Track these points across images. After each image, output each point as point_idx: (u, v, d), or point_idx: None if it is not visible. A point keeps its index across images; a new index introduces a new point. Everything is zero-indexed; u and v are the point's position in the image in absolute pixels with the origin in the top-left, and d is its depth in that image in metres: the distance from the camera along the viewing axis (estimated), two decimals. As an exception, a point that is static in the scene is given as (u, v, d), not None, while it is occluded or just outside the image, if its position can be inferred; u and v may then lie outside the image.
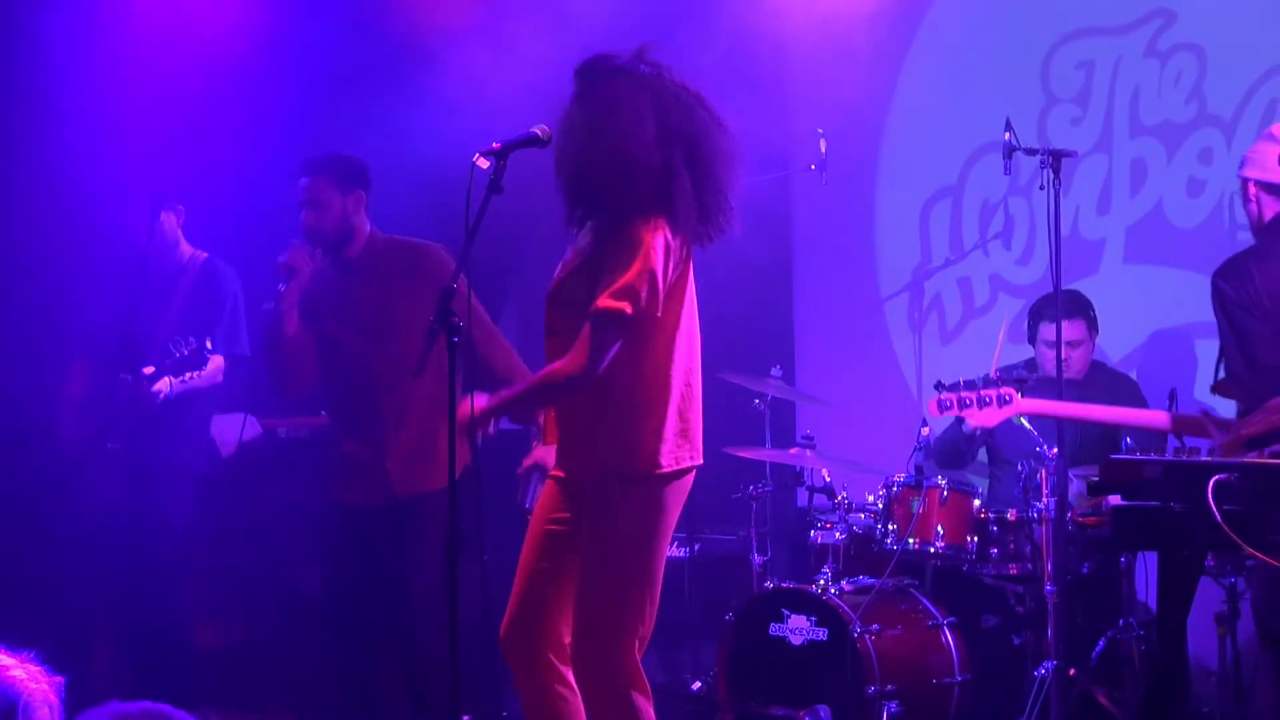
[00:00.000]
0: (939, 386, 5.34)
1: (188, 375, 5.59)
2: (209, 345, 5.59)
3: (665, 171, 3.98)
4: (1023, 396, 5.23)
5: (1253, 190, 4.79)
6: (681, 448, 4.05)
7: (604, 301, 3.89)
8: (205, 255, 6.10)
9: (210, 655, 6.19)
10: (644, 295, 3.89)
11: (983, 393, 5.20)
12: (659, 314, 3.96)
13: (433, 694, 5.14)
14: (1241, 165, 4.87)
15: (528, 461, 4.54)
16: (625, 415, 4.02)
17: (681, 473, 4.06)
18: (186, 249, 6.10)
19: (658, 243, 3.92)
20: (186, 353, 5.53)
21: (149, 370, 5.60)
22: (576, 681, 4.09)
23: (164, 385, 5.57)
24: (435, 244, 5.38)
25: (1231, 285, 4.54)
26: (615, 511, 4.00)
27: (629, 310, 3.88)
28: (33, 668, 2.79)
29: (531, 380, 4.19)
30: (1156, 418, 5.13)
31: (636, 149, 3.95)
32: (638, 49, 4.10)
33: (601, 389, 3.98)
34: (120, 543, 5.94)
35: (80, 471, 6.02)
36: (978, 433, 5.92)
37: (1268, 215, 4.72)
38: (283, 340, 5.31)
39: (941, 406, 5.31)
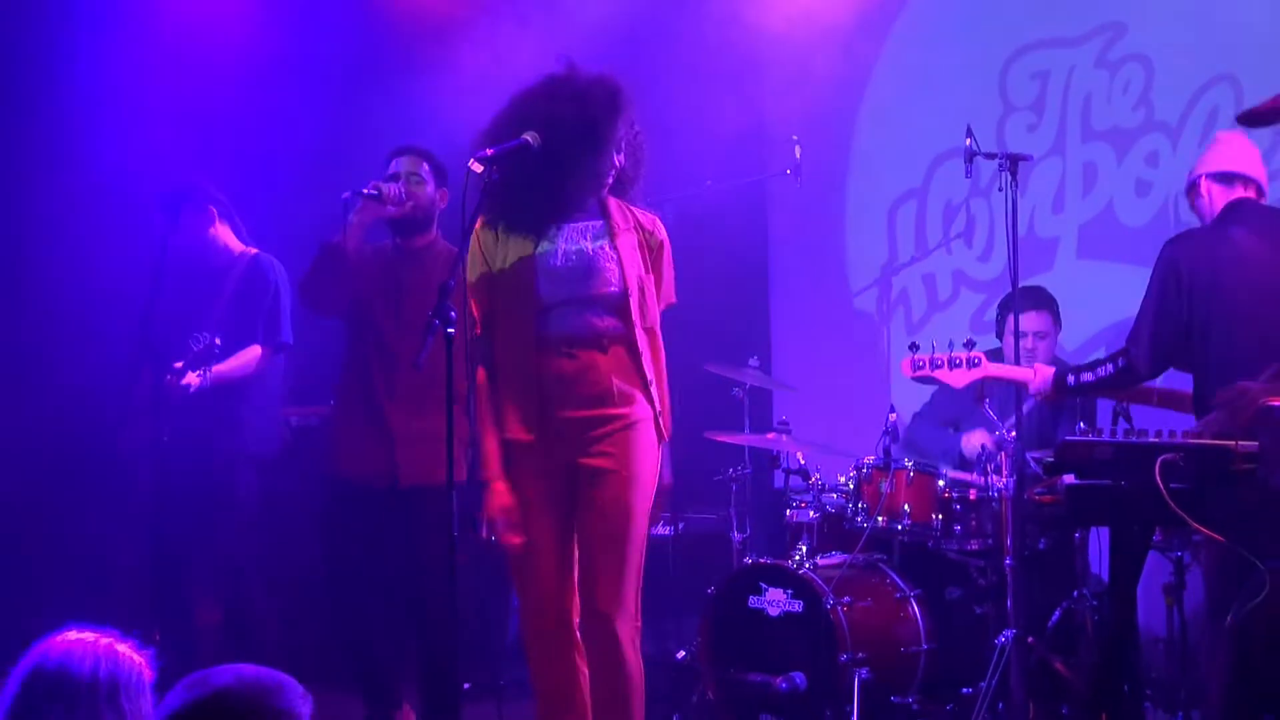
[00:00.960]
0: (913, 347, 5.33)
1: (207, 370, 5.54)
2: (218, 342, 5.53)
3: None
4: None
5: (1204, 185, 4.82)
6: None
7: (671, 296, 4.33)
8: (254, 251, 6.02)
9: (217, 630, 6.17)
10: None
11: (953, 355, 5.20)
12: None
13: (434, 665, 5.13)
14: (1193, 170, 4.91)
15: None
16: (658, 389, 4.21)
17: None
18: (236, 246, 6.01)
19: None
20: (200, 348, 5.49)
21: (179, 365, 5.55)
22: (586, 638, 4.13)
23: (192, 379, 5.51)
24: None
25: (1184, 257, 4.61)
26: (638, 467, 4.11)
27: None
28: (124, 644, 2.81)
29: (664, 389, 4.29)
30: (1043, 375, 5.14)
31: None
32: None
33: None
34: (164, 526, 5.93)
35: (134, 461, 5.99)
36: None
37: (1219, 206, 4.76)
38: (339, 252, 5.24)
39: (915, 366, 5.29)
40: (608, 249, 4.18)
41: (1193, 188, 4.91)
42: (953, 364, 5.19)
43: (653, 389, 4.19)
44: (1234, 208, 4.73)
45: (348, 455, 5.38)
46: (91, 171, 6.35)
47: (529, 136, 4.04)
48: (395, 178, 5.32)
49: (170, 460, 5.67)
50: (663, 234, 4.31)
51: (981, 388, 5.61)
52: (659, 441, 4.21)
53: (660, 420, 4.22)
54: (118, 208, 6.27)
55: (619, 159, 4.21)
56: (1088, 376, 4.83)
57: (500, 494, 4.16)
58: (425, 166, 5.37)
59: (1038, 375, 5.08)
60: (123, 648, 2.81)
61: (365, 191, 5.21)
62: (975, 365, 5.16)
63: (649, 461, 4.16)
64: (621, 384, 4.14)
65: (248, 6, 6.92)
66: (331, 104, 7.10)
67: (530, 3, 7.06)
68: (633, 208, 4.29)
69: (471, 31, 7.01)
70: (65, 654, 2.75)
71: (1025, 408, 5.44)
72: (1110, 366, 4.76)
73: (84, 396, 6.23)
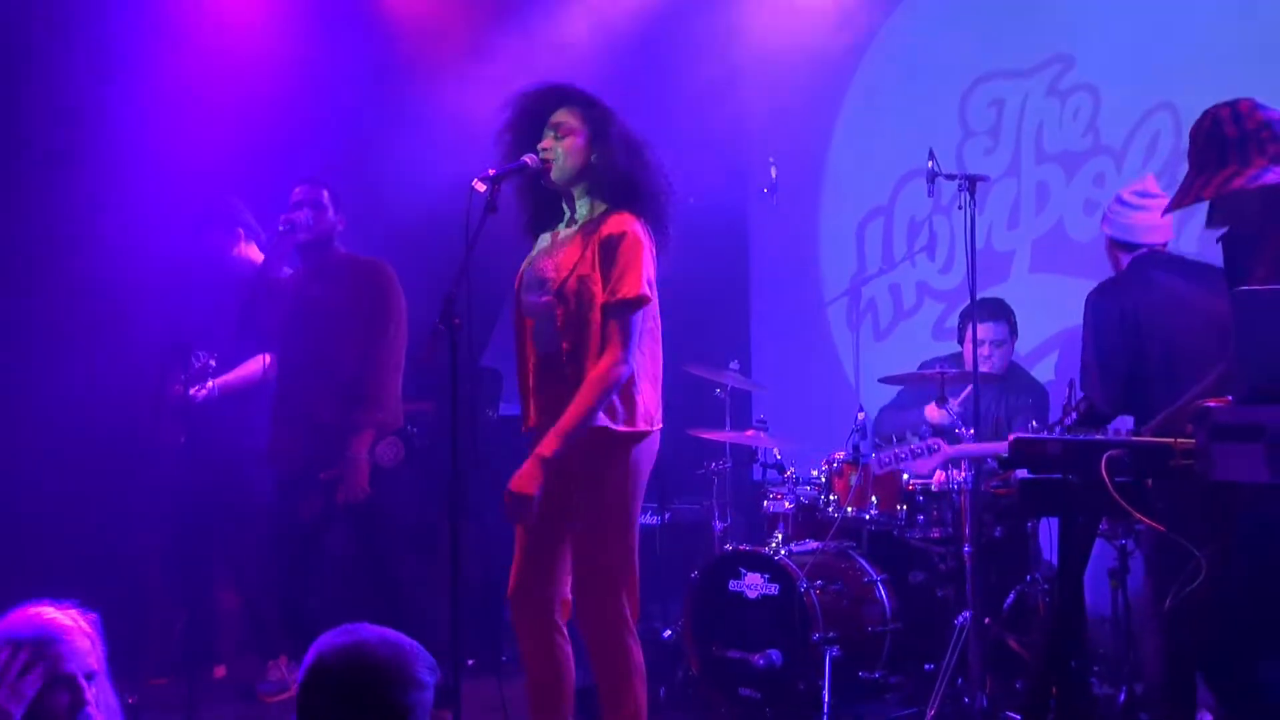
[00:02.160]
0: (878, 447, 5.30)
1: (203, 385, 5.58)
2: (213, 363, 5.58)
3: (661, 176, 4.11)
4: (948, 444, 5.22)
5: (1108, 245, 4.78)
6: (659, 410, 4.08)
7: (634, 290, 3.91)
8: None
9: (238, 613, 6.16)
10: (646, 293, 3.95)
11: (914, 446, 5.18)
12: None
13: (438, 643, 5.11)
14: (1104, 219, 4.82)
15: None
16: (633, 384, 4.00)
17: (652, 433, 4.07)
18: (259, 259, 6.01)
19: (647, 248, 4.00)
20: (198, 366, 5.55)
21: (182, 378, 5.60)
22: (581, 627, 4.06)
23: (197, 392, 5.57)
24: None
25: (1114, 302, 4.55)
26: (612, 466, 3.97)
27: (641, 289, 3.92)
28: (72, 611, 2.87)
29: (587, 398, 3.88)
30: None
31: (647, 152, 4.09)
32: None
33: (586, 358, 3.97)
34: (185, 520, 5.93)
35: (151, 453, 6.00)
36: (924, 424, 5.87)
37: (1124, 264, 4.70)
38: (269, 288, 5.32)
39: (881, 464, 5.27)
40: (559, 256, 4.04)
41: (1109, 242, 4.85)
42: (915, 454, 5.17)
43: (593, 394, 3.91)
44: (1141, 257, 4.64)
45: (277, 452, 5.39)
46: (127, 187, 6.33)
47: (528, 158, 4.03)
48: (299, 206, 5.31)
49: (188, 460, 5.71)
50: (616, 229, 3.96)
51: (943, 391, 5.61)
52: (625, 444, 3.98)
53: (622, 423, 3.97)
54: (150, 220, 6.25)
55: (566, 147, 4.03)
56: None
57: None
58: (325, 194, 5.37)
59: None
60: (61, 616, 2.90)
61: (280, 229, 5.24)
62: (936, 451, 5.15)
63: (615, 467, 3.99)
64: (568, 393, 3.95)
65: (274, 32, 6.91)
66: (351, 124, 7.09)
67: (526, 40, 7.08)
68: (617, 212, 4.03)
69: (473, 65, 7.03)
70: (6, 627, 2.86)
71: (982, 408, 5.45)
72: (1074, 415, 4.61)
73: (117, 399, 6.21)
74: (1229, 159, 3.49)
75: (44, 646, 2.84)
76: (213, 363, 5.59)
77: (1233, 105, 3.55)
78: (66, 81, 6.39)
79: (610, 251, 3.95)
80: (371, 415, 5.09)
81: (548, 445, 3.86)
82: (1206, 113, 3.58)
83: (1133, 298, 4.49)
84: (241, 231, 6.01)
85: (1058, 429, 4.66)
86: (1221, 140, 3.51)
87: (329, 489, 5.20)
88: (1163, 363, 4.35)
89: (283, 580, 5.26)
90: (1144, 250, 4.65)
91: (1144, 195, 4.70)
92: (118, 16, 6.45)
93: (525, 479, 3.86)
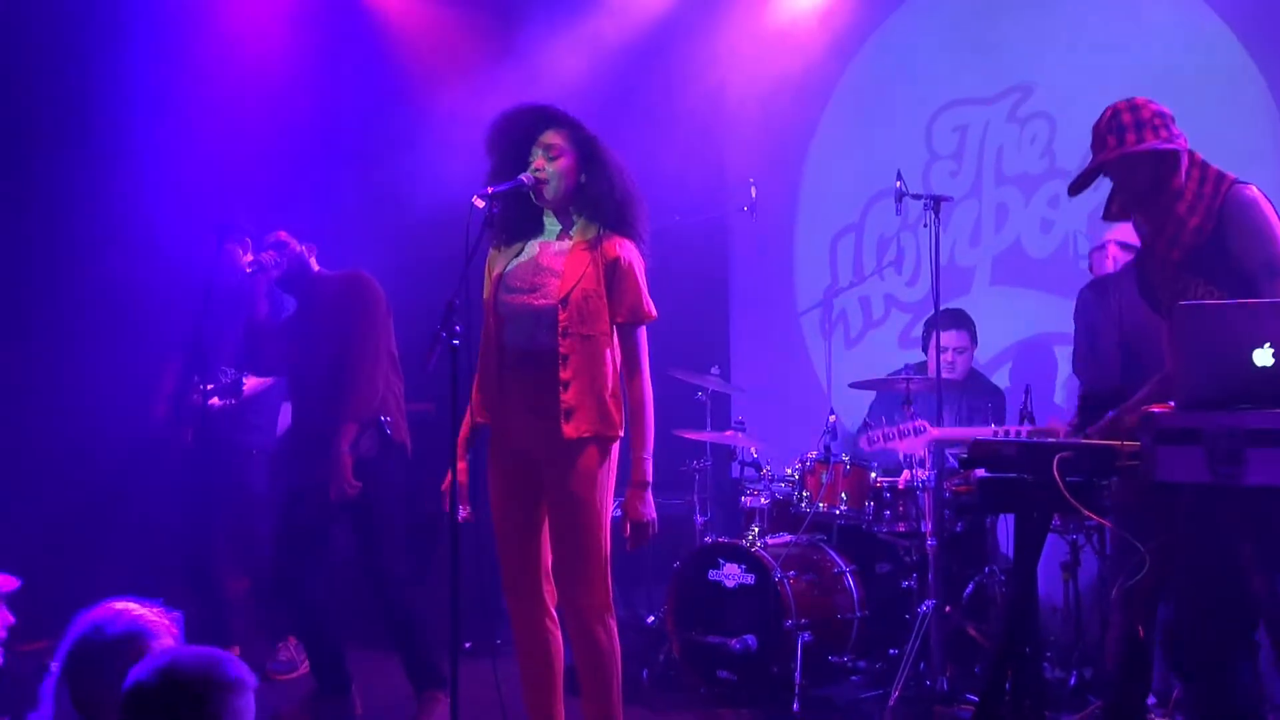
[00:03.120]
0: (866, 426, 5.32)
1: (231, 400, 5.62)
2: (244, 381, 5.61)
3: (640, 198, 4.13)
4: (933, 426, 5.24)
5: (1111, 250, 4.82)
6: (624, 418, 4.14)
7: (646, 310, 4.05)
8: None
9: (246, 598, 6.16)
10: (648, 303, 4.08)
11: (901, 427, 5.20)
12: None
13: (415, 623, 5.08)
14: (1104, 235, 4.91)
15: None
16: (609, 392, 4.04)
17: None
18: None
19: (642, 263, 4.10)
20: (228, 381, 5.58)
21: (210, 387, 5.61)
22: (566, 612, 4.07)
23: (216, 401, 5.59)
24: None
25: (1099, 296, 4.62)
26: (595, 467, 3.99)
27: (645, 302, 4.06)
28: (156, 610, 2.83)
29: (647, 419, 4.07)
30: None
31: (631, 177, 4.11)
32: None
33: (614, 368, 4.04)
34: (194, 513, 5.93)
35: (164, 451, 6.00)
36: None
37: (1118, 265, 4.75)
38: (263, 323, 5.28)
39: (870, 442, 5.28)
40: (557, 266, 4.05)
41: (1100, 249, 4.90)
42: (903, 434, 5.19)
43: (584, 394, 3.98)
44: (1129, 266, 4.67)
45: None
46: (148, 196, 6.33)
47: (524, 177, 4.04)
48: (263, 248, 5.26)
49: (195, 458, 5.74)
50: (620, 253, 4.03)
51: (909, 395, 5.64)
52: (602, 443, 4.02)
53: (603, 424, 4.01)
54: (167, 227, 6.25)
55: (557, 168, 4.04)
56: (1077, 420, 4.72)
57: (459, 472, 4.08)
58: (281, 234, 5.28)
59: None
60: (146, 613, 2.87)
61: (249, 272, 5.21)
62: (922, 432, 5.17)
63: (599, 466, 4.01)
64: (583, 393, 3.99)
65: (286, 47, 6.91)
66: (358, 134, 7.09)
67: (520, 63, 7.10)
68: (617, 235, 4.07)
69: (470, 84, 7.04)
70: (99, 620, 2.82)
71: (945, 410, 5.47)
72: (1078, 403, 4.62)
73: (134, 401, 6.20)
74: (1126, 138, 3.59)
75: (134, 641, 2.81)
76: (245, 380, 5.63)
77: (1129, 100, 3.70)
78: (82, 86, 6.37)
79: (619, 276, 4.03)
80: (349, 411, 5.01)
81: (643, 471, 4.04)
82: (1107, 108, 3.71)
83: (1123, 291, 4.54)
84: (249, 241, 6.02)
85: (1014, 433, 4.70)
86: (1120, 125, 3.64)
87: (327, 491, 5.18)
88: (1145, 353, 4.37)
89: (287, 579, 5.23)
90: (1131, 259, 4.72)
91: None
92: (135, 28, 6.43)
93: (642, 507, 4.05)
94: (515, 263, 4.13)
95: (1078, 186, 3.80)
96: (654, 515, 4.05)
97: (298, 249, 5.30)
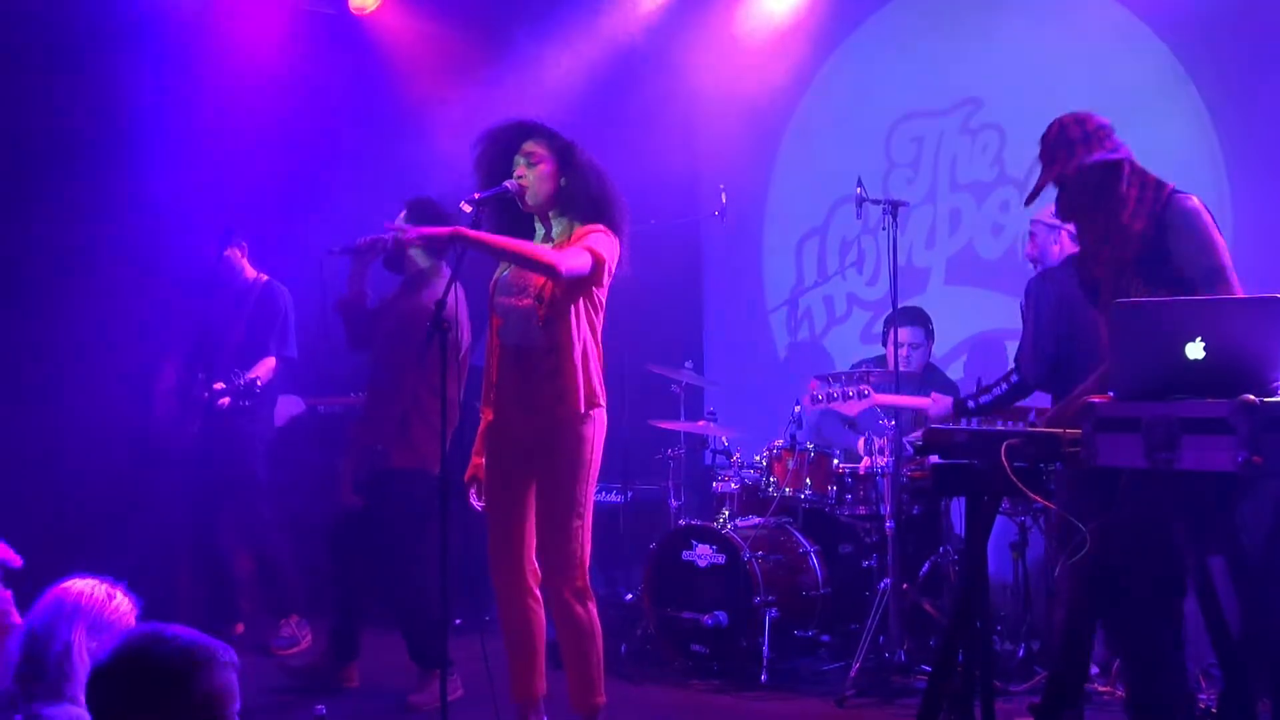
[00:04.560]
0: (820, 379, 5.32)
1: (242, 401, 5.56)
2: (259, 384, 5.56)
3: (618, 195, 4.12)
4: (875, 392, 5.26)
5: (1050, 242, 4.81)
6: (603, 391, 4.13)
7: (589, 248, 3.97)
8: (266, 278, 6.03)
9: (252, 577, 6.14)
10: (604, 265, 4.00)
11: (846, 389, 5.22)
12: (600, 289, 4.08)
13: (429, 605, 5.08)
14: (1041, 212, 4.85)
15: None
16: (582, 368, 4.04)
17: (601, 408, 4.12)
18: (251, 272, 6.03)
19: (615, 245, 4.06)
20: (242, 384, 5.52)
21: (219, 386, 5.54)
22: (549, 592, 4.09)
23: (226, 400, 5.54)
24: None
25: (1052, 288, 4.62)
26: (580, 457, 4.00)
27: (602, 259, 3.98)
28: (120, 589, 2.75)
29: (525, 244, 3.98)
30: (942, 403, 5.12)
31: (606, 175, 4.11)
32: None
33: (563, 352, 4.00)
34: (201, 499, 5.92)
35: (169, 444, 5.97)
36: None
37: (1068, 248, 4.75)
38: (358, 302, 5.17)
39: (814, 399, 5.30)
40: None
41: (1054, 230, 4.84)
42: (845, 396, 5.21)
43: (571, 385, 4.00)
44: (1069, 261, 4.66)
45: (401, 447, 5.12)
46: (154, 207, 6.29)
47: (508, 184, 4.06)
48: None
49: (200, 448, 5.72)
50: (588, 232, 4.04)
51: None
52: (586, 425, 4.02)
53: (584, 403, 4.01)
54: (172, 237, 6.20)
55: (538, 174, 4.07)
56: (985, 399, 4.79)
57: (473, 466, 4.24)
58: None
59: (936, 404, 5.08)
60: (100, 590, 2.74)
61: (385, 231, 4.99)
62: (865, 396, 5.19)
63: (573, 443, 4.02)
64: (548, 386, 4.02)
65: (284, 79, 6.88)
66: (350, 140, 7.05)
67: (503, 76, 7.10)
68: (590, 227, 4.08)
69: (459, 100, 7.03)
70: (51, 601, 2.70)
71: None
72: (1004, 385, 4.73)
73: (140, 396, 6.16)
74: (1075, 151, 3.61)
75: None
76: (259, 383, 5.58)
77: (1074, 114, 3.72)
78: (82, 92, 6.30)
79: (582, 241, 4.03)
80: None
81: (473, 233, 3.87)
82: (1054, 121, 3.74)
83: (1072, 285, 4.54)
84: (245, 245, 6.00)
85: (982, 398, 4.73)
86: (1068, 139, 3.65)
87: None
88: (1086, 344, 4.39)
89: (341, 555, 5.24)
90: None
91: None
92: (136, 39, 6.38)
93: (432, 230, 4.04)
94: (511, 267, 4.15)
95: (1032, 198, 3.82)
96: (415, 234, 4.11)
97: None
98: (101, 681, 2.19)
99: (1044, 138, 3.73)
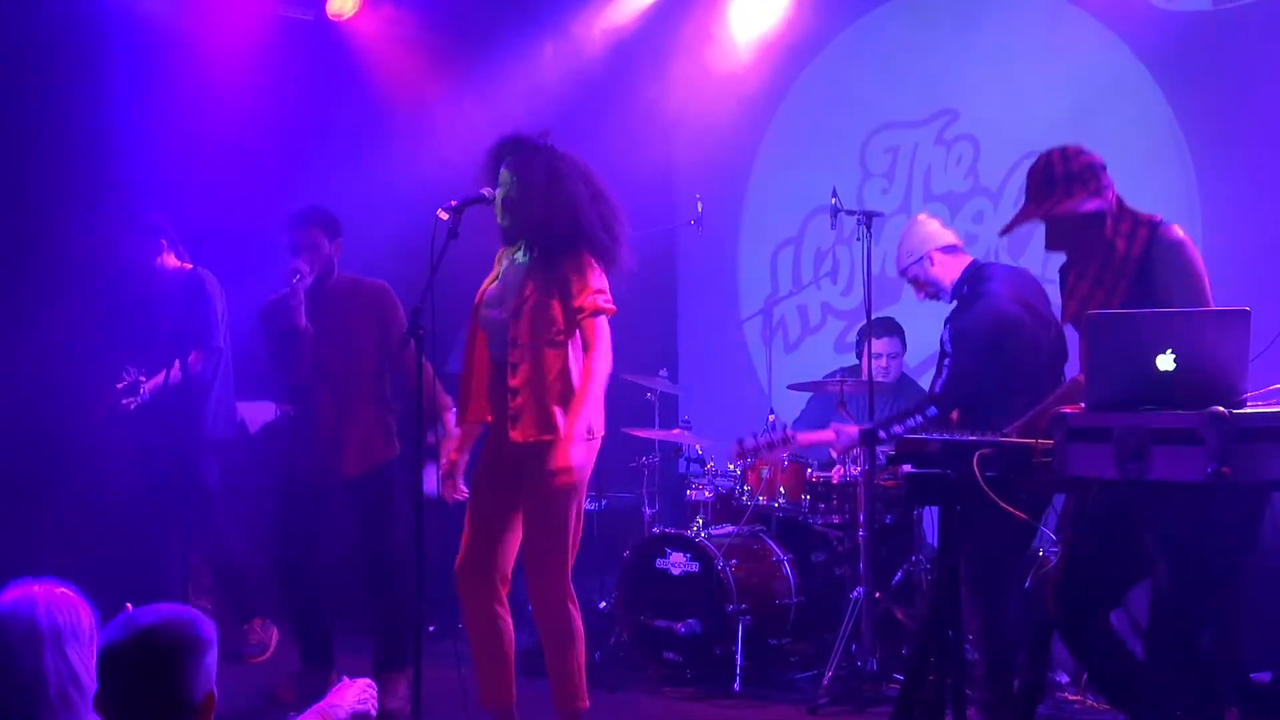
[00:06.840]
0: (740, 441, 5.27)
1: (135, 398, 5.39)
2: (143, 380, 5.38)
3: (595, 220, 4.07)
4: (797, 433, 5.28)
5: (935, 258, 4.63)
6: (602, 420, 4.16)
7: (594, 304, 3.99)
8: (190, 267, 5.82)
9: (211, 586, 6.05)
10: (609, 312, 4.05)
11: (770, 439, 5.22)
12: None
13: (402, 610, 5.06)
14: (914, 251, 4.68)
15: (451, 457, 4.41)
16: (555, 397, 4.05)
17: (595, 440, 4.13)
18: (174, 262, 5.80)
19: (602, 277, 4.08)
20: (129, 381, 5.36)
21: (120, 386, 5.40)
22: (532, 599, 4.09)
23: (130, 402, 5.39)
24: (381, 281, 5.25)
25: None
26: (567, 466, 3.98)
27: (613, 308, 4.04)
28: (75, 598, 2.61)
29: (589, 390, 4.00)
30: (846, 435, 5.10)
31: (580, 205, 4.04)
32: (543, 132, 4.17)
33: (563, 374, 4.01)
34: (146, 506, 5.80)
35: (102, 445, 5.80)
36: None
37: (956, 271, 4.61)
38: (296, 330, 5.06)
39: (741, 454, 5.31)
40: (516, 282, 4.12)
41: (919, 263, 4.66)
42: (770, 446, 5.22)
43: (529, 401, 4.02)
44: (979, 269, 4.59)
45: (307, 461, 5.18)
46: (89, 203, 6.22)
47: (485, 191, 4.08)
48: (297, 251, 5.10)
49: (143, 451, 5.58)
50: (568, 261, 4.06)
51: (843, 397, 5.67)
52: (565, 440, 3.99)
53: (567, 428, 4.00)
54: (95, 232, 6.08)
55: (505, 195, 4.08)
56: (898, 428, 4.53)
57: (448, 464, 4.37)
58: (315, 231, 5.13)
59: (840, 437, 5.08)
60: (61, 591, 2.56)
61: (293, 280, 5.00)
62: (788, 441, 5.21)
63: (554, 461, 4.01)
64: (528, 399, 4.03)
65: (262, 74, 6.83)
66: (310, 165, 6.99)
67: (480, 87, 7.09)
68: (562, 247, 4.09)
69: (437, 107, 7.01)
70: (9, 604, 2.51)
71: (877, 411, 5.50)
72: (919, 417, 4.48)
73: (68, 400, 6.01)
74: (1056, 190, 3.60)
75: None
76: (143, 379, 5.40)
77: (1063, 149, 3.67)
78: (53, 101, 6.24)
79: (568, 281, 4.03)
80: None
81: (571, 425, 3.96)
82: (1041, 155, 3.70)
83: (990, 315, 4.45)
84: (164, 242, 5.83)
85: (894, 427, 4.61)
86: (1052, 176, 3.63)
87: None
88: (1012, 379, 4.35)
89: (291, 564, 5.20)
90: (967, 260, 4.66)
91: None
92: (112, 44, 6.31)
93: (559, 456, 3.94)
94: (495, 281, 4.19)
95: (1007, 230, 3.79)
96: (569, 464, 3.94)
97: (328, 248, 5.15)
98: (115, 661, 2.30)
99: (1030, 172, 3.71)
